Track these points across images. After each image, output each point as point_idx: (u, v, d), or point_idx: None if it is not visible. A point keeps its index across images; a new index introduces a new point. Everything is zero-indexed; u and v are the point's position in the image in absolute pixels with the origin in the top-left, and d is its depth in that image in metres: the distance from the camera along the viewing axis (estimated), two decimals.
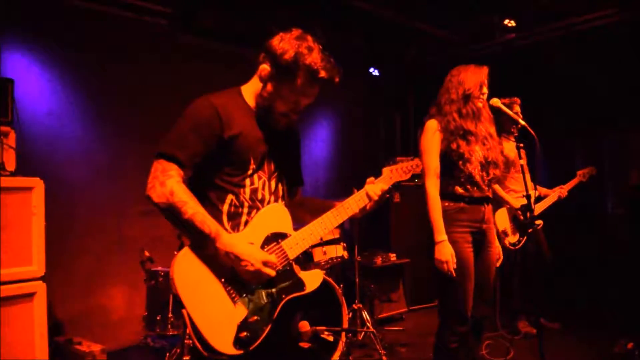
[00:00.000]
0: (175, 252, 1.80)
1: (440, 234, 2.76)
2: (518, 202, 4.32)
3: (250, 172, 1.92)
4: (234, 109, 1.91)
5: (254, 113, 1.97)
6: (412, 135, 7.36)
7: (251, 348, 1.81)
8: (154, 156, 1.84)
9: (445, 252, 2.73)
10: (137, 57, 4.77)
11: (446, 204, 2.82)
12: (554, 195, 4.54)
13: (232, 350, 1.76)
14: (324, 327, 3.68)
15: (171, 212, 1.77)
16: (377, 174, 2.20)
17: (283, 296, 1.92)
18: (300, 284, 1.97)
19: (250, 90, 1.99)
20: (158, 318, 4.01)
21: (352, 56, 6.52)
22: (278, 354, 2.03)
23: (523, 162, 2.97)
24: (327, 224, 2.02)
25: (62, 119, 4.39)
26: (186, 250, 1.80)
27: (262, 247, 1.90)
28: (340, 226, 4.53)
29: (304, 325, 3.63)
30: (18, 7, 4.09)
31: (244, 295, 1.84)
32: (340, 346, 3.93)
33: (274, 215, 1.97)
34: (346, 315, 4.05)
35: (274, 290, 1.90)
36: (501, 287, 4.59)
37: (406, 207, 5.91)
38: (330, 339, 3.77)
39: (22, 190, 3.23)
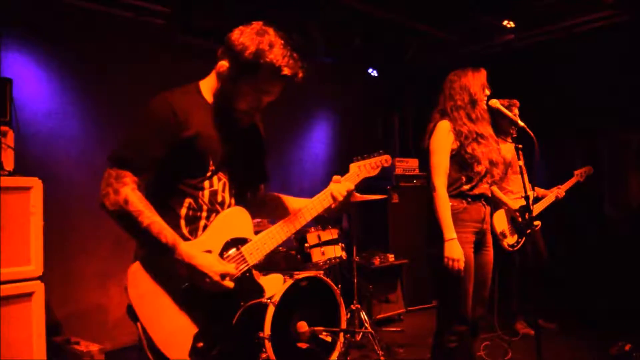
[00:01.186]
0: (133, 261, 1.77)
1: (451, 231, 2.77)
2: (516, 203, 4.32)
3: (209, 174, 1.84)
4: (192, 107, 1.83)
5: (213, 110, 1.87)
6: (411, 136, 7.36)
7: (208, 357, 1.76)
8: (107, 161, 1.78)
9: (456, 250, 2.74)
10: (135, 57, 4.77)
11: (451, 203, 2.84)
12: (551, 195, 4.55)
13: None
14: (322, 328, 3.71)
15: (127, 222, 1.70)
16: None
17: (241, 303, 1.84)
18: (259, 290, 1.90)
19: (209, 86, 1.90)
20: None
21: (351, 56, 6.53)
22: None
23: (521, 163, 2.98)
24: (289, 227, 1.96)
25: (61, 119, 4.39)
26: (142, 260, 1.75)
27: (222, 253, 1.83)
28: (339, 227, 4.55)
29: (302, 326, 3.65)
30: (17, 7, 4.08)
31: (201, 304, 1.77)
32: (339, 346, 3.93)
33: (234, 219, 1.89)
34: (344, 316, 4.05)
35: (232, 297, 1.82)
36: (499, 288, 4.60)
37: (404, 208, 5.91)
38: (329, 339, 3.79)
39: (20, 190, 3.22)
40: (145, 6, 4.70)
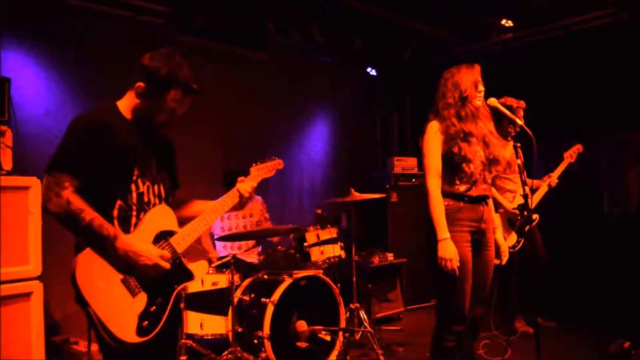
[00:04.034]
0: (75, 256, 1.97)
1: (443, 231, 2.78)
2: (514, 202, 4.31)
3: (134, 178, 2.12)
4: (115, 123, 2.11)
5: (134, 125, 2.15)
6: (410, 136, 7.36)
7: (152, 334, 2.02)
8: (45, 170, 2.00)
9: (448, 250, 2.75)
10: (134, 57, 4.76)
11: (447, 202, 2.84)
12: (544, 185, 4.51)
13: (136, 339, 1.98)
14: (321, 327, 3.71)
15: (70, 220, 1.94)
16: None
17: (175, 286, 2.15)
18: (188, 274, 2.22)
19: (126, 105, 2.17)
20: None
21: (350, 56, 6.52)
22: (174, 337, 2.36)
23: (519, 161, 2.98)
24: (207, 219, 2.29)
25: (60, 118, 4.37)
26: (87, 252, 1.97)
27: (153, 244, 2.09)
28: (338, 226, 4.55)
29: (302, 325, 3.66)
30: (16, 6, 4.08)
31: (142, 288, 2.04)
32: (338, 346, 3.94)
33: (161, 215, 2.17)
34: (343, 315, 4.05)
35: (166, 281, 2.11)
36: (498, 286, 4.60)
37: (403, 207, 5.92)
38: (328, 338, 3.79)
39: (19, 189, 3.21)
40: (145, 6, 4.71)
